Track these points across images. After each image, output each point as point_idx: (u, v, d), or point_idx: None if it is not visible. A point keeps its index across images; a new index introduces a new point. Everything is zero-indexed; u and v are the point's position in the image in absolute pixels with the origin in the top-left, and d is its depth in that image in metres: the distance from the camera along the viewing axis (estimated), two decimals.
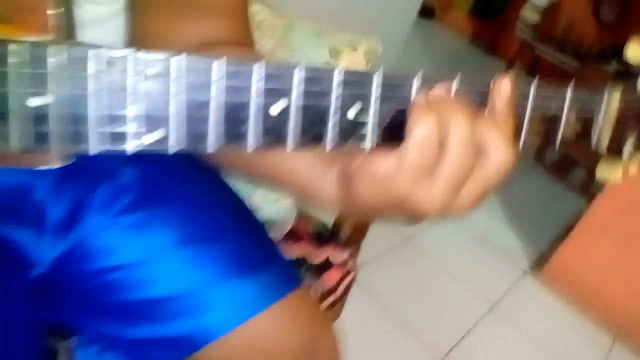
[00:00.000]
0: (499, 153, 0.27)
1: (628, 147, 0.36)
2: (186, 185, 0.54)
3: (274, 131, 0.24)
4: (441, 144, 0.26)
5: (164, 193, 0.53)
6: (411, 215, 0.29)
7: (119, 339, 0.50)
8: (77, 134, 0.22)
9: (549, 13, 3.72)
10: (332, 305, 0.73)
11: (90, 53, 0.21)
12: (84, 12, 0.42)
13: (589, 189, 2.20)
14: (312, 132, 0.25)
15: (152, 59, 0.22)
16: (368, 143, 0.26)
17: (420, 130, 0.26)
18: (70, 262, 0.49)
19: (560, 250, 1.71)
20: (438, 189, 0.27)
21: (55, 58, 0.21)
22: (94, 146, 0.23)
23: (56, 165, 0.25)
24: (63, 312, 0.51)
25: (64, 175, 0.48)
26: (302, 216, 0.82)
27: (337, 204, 0.34)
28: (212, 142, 0.23)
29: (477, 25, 3.99)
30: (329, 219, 0.84)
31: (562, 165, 2.63)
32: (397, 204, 0.28)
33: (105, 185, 0.51)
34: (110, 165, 0.51)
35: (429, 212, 0.28)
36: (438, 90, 0.28)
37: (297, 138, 0.24)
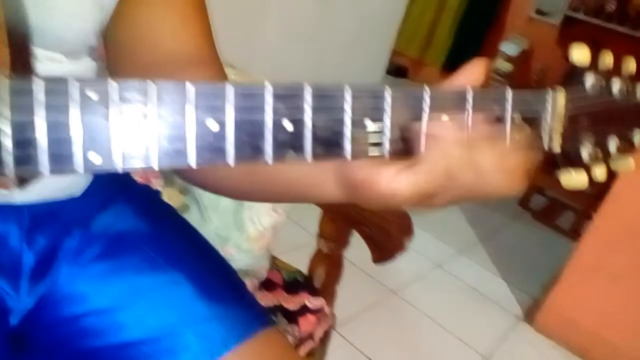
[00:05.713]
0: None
1: (586, 148, 0.37)
2: (155, 232, 0.55)
3: (214, 146, 0.25)
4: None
5: (134, 241, 0.54)
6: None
7: None
8: (29, 157, 0.24)
9: (521, 61, 3.89)
10: (312, 352, 0.71)
11: (36, 82, 0.23)
12: (45, 67, 0.44)
13: (580, 232, 2.20)
14: (252, 145, 0.26)
15: (93, 84, 0.24)
16: (308, 155, 0.27)
17: (431, 157, 0.30)
18: (44, 309, 0.50)
19: (552, 295, 1.69)
20: (445, 201, 0.32)
21: (7, 88, 0.23)
22: (45, 168, 0.24)
23: (12, 188, 0.26)
24: None
25: (36, 221, 0.48)
26: (275, 265, 0.82)
27: (343, 201, 0.36)
28: (155, 159, 0.25)
29: None
30: (300, 263, 0.84)
31: (549, 210, 2.65)
32: (410, 206, 0.33)
33: (76, 232, 0.52)
34: (81, 212, 0.52)
35: (442, 207, 0.33)
36: (435, 119, 0.31)
37: (237, 152, 0.26)
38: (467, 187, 0.31)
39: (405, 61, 4.37)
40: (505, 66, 3.92)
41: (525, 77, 3.88)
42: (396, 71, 4.22)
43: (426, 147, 0.30)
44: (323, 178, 0.36)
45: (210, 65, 0.47)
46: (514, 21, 4.05)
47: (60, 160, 0.24)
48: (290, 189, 0.40)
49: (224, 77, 0.49)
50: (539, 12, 3.90)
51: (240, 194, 0.48)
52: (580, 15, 3.63)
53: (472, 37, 4.12)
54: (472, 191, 0.32)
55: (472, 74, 0.33)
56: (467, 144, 0.31)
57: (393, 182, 0.31)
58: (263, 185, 0.42)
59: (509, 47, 3.94)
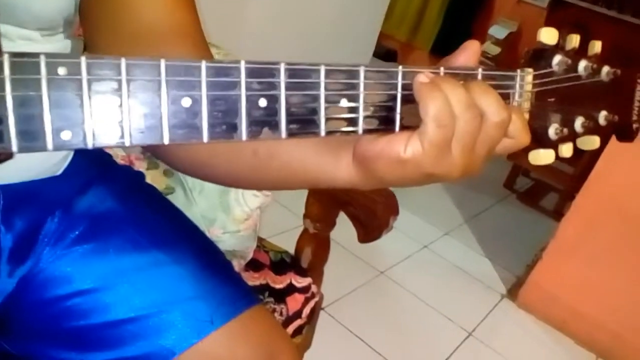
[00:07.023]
0: (496, 113, 0.31)
1: (554, 126, 0.38)
2: (138, 213, 0.55)
3: (187, 123, 0.25)
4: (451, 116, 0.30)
5: (116, 222, 0.53)
6: (434, 181, 0.32)
7: None
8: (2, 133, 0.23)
9: (509, 44, 3.90)
10: (299, 330, 0.72)
11: (5, 57, 0.23)
12: (18, 47, 0.42)
13: (563, 212, 2.24)
14: (226, 122, 0.26)
15: (64, 60, 0.23)
16: (283, 132, 0.27)
17: (433, 107, 0.29)
18: (26, 291, 0.49)
19: (534, 273, 1.73)
20: (458, 156, 0.31)
21: None
22: (14, 144, 0.23)
23: None
24: (21, 342, 0.51)
25: (12, 202, 0.48)
26: (262, 246, 0.82)
27: (356, 184, 0.36)
28: (127, 136, 0.24)
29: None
30: (289, 246, 0.84)
31: (534, 191, 2.69)
32: (424, 178, 0.32)
33: (57, 214, 0.51)
34: (60, 193, 0.52)
35: (453, 177, 0.32)
36: (425, 74, 0.31)
37: (210, 129, 0.26)
38: (473, 136, 0.31)
39: (395, 44, 4.34)
40: (493, 49, 3.92)
41: (512, 59, 3.89)
42: (385, 54, 4.19)
43: (429, 99, 0.29)
44: (336, 158, 0.35)
45: (192, 38, 0.45)
46: (503, 4, 4.03)
47: (29, 136, 0.24)
48: (300, 171, 0.38)
49: (206, 50, 0.47)
50: None
51: (240, 180, 0.45)
52: None
53: (461, 20, 4.09)
54: (478, 143, 0.31)
55: (467, 55, 0.34)
56: (467, 91, 0.31)
57: (410, 144, 0.30)
58: (267, 170, 0.39)
59: (498, 31, 3.93)
